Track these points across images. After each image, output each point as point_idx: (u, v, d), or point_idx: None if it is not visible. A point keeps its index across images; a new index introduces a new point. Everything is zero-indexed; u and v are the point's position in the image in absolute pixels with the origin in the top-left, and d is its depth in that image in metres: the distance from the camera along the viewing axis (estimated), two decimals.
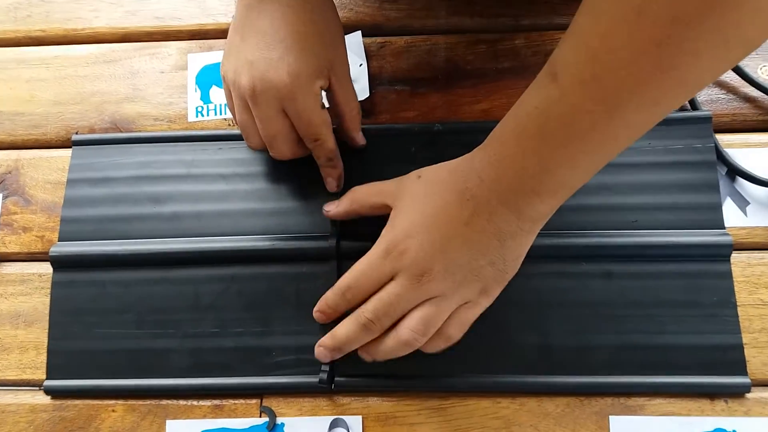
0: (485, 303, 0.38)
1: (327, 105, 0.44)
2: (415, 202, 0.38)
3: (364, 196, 0.42)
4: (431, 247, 0.36)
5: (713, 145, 0.45)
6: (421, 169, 0.39)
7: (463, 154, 0.38)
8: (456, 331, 0.38)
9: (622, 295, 0.42)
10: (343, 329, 0.38)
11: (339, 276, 0.42)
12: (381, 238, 0.38)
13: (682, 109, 0.47)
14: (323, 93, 0.42)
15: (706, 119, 0.45)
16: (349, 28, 0.50)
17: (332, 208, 0.43)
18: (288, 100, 0.39)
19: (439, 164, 0.39)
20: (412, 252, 0.36)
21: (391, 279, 0.37)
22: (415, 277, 0.36)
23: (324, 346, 0.39)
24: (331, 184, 0.45)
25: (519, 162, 0.34)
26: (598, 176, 0.44)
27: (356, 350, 0.39)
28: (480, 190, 0.35)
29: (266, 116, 0.40)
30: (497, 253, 0.36)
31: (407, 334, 0.37)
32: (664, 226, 0.43)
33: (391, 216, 0.39)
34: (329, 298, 0.40)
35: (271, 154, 0.43)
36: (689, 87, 0.29)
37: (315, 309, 0.41)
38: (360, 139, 0.46)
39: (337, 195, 0.44)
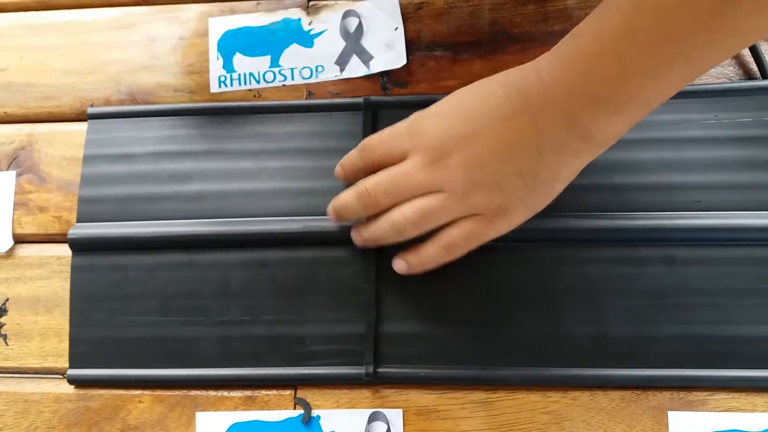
0: (501, 225, 0.34)
1: None
2: (453, 95, 0.34)
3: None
4: (454, 132, 0.32)
5: None
6: None
7: None
8: (457, 243, 0.34)
9: (684, 282, 0.39)
10: (343, 194, 0.37)
11: (377, 261, 0.40)
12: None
13: (752, 77, 0.43)
14: None
15: None
16: None
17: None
18: None
19: None
20: (433, 132, 0.33)
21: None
22: (428, 161, 0.33)
23: (330, 206, 0.38)
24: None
25: (595, 63, 0.29)
26: (657, 152, 0.41)
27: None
28: (534, 88, 0.31)
29: None
30: (530, 163, 0.32)
31: (397, 217, 0.34)
32: (731, 207, 0.40)
33: None
34: (350, 153, 0.38)
35: None
36: None
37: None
38: None
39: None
